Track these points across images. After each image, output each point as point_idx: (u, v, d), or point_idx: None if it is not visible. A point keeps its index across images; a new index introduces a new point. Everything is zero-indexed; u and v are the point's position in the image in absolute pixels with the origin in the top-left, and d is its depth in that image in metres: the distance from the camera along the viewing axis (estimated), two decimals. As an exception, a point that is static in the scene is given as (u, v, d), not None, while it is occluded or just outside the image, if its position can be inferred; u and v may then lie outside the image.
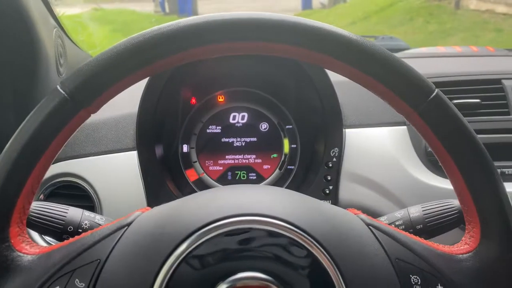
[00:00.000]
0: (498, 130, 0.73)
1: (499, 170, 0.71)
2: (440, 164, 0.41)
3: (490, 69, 0.79)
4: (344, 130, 0.72)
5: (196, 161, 0.77)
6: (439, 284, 0.39)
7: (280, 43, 0.38)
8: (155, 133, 0.72)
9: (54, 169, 0.71)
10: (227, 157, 0.78)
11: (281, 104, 0.78)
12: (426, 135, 0.40)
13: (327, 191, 0.70)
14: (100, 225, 0.47)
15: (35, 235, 0.70)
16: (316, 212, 0.40)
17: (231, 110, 0.78)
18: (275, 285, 0.36)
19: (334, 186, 0.70)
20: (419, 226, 0.48)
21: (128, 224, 0.40)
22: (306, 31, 0.38)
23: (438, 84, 0.76)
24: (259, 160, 0.78)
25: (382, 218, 0.50)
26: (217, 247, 0.36)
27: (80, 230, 0.47)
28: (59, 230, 0.48)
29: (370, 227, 0.41)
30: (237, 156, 0.78)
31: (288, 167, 0.78)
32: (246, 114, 0.78)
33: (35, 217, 0.48)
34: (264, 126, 0.79)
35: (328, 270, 0.36)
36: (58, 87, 0.38)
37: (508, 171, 0.71)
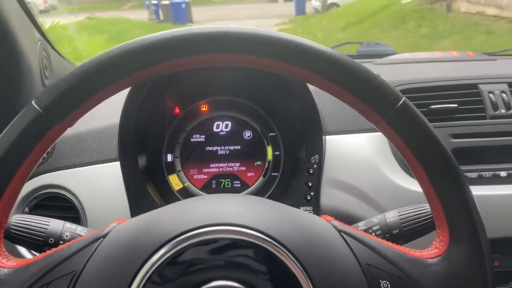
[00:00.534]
0: (475, 134, 0.75)
1: (476, 174, 0.72)
2: (410, 170, 0.42)
3: (468, 74, 0.80)
4: (324, 137, 0.73)
5: (180, 170, 0.78)
6: None
7: (262, 56, 0.39)
8: (138, 144, 0.73)
9: (38, 181, 0.72)
10: (211, 165, 0.79)
11: (264, 112, 0.79)
12: (395, 142, 0.41)
13: (309, 198, 0.71)
14: (80, 236, 0.48)
15: (21, 247, 0.70)
16: (287, 220, 0.41)
17: (215, 119, 0.79)
18: None
19: (315, 193, 0.71)
20: (395, 231, 0.49)
21: (104, 236, 0.40)
22: (278, 43, 0.39)
23: (416, 90, 0.78)
24: (243, 168, 0.79)
25: (360, 224, 0.51)
26: (190, 256, 0.37)
27: (61, 242, 0.48)
28: (40, 243, 0.48)
29: (341, 233, 0.41)
30: (221, 164, 0.79)
31: (272, 174, 0.79)
32: (229, 123, 0.79)
33: (16, 230, 0.48)
34: (247, 134, 0.79)
35: (298, 277, 0.37)
36: (33, 102, 0.38)
37: (485, 174, 0.72)
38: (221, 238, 0.37)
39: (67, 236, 0.48)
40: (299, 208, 0.71)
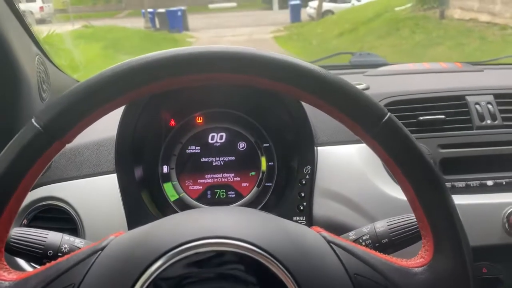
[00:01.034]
0: (462, 145, 0.77)
1: (464, 183, 0.74)
2: (396, 181, 0.44)
3: (455, 86, 0.82)
4: (316, 148, 0.75)
5: (176, 181, 0.80)
6: None
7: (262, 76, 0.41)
8: (134, 156, 0.75)
9: (37, 193, 0.73)
10: (206, 176, 0.80)
11: (258, 124, 0.81)
12: (381, 155, 0.43)
13: (301, 208, 0.72)
14: (79, 248, 0.49)
15: (21, 261, 0.71)
16: (279, 231, 0.42)
17: (210, 131, 0.81)
18: None
19: (308, 202, 0.72)
20: (384, 240, 0.51)
21: (102, 249, 0.42)
22: (275, 64, 0.41)
23: (405, 102, 0.80)
24: (237, 178, 0.80)
25: (351, 234, 0.53)
26: (184, 268, 0.39)
27: (60, 254, 0.49)
28: (39, 255, 0.50)
29: (331, 244, 0.43)
30: (216, 175, 0.80)
31: (266, 184, 0.80)
32: (224, 134, 0.81)
33: (15, 243, 0.50)
34: (242, 145, 0.81)
35: (289, 287, 0.38)
36: (33, 121, 0.40)
37: (473, 184, 0.74)
38: (214, 251, 0.39)
39: (65, 248, 0.50)
40: (292, 218, 0.72)
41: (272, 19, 14.68)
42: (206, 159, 0.81)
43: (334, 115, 0.42)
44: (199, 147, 0.81)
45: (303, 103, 0.74)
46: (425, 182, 0.41)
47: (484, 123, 0.78)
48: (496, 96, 0.80)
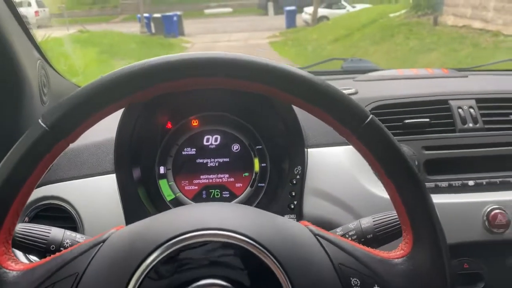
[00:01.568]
0: (445, 147, 0.81)
1: (446, 183, 0.78)
2: (379, 180, 0.47)
3: (440, 91, 0.87)
4: (306, 150, 0.78)
5: (172, 182, 0.83)
6: (376, 285, 0.44)
7: (254, 81, 0.44)
8: (132, 157, 0.78)
9: (38, 192, 0.76)
10: (201, 177, 0.83)
11: (251, 127, 0.84)
12: (364, 155, 0.46)
13: (292, 206, 0.76)
14: (79, 243, 0.52)
15: (19, 254, 0.74)
16: (268, 224, 0.46)
17: (205, 133, 0.84)
18: None
19: (298, 201, 0.76)
20: (369, 236, 0.54)
21: (104, 241, 0.45)
22: (273, 71, 0.44)
23: (392, 106, 0.84)
24: (231, 179, 0.84)
25: (338, 230, 0.56)
26: (181, 258, 0.42)
27: (62, 249, 0.52)
28: (43, 250, 0.53)
29: (317, 236, 0.46)
30: (211, 176, 0.84)
31: (259, 184, 0.84)
32: (218, 136, 0.84)
33: (19, 238, 0.53)
34: (235, 147, 0.84)
35: (277, 275, 0.42)
36: (40, 121, 0.43)
37: (455, 183, 0.78)
38: (208, 241, 0.42)
39: (67, 243, 0.53)
40: (283, 216, 0.76)
41: (267, 25, 14.76)
42: (201, 161, 0.84)
43: (320, 116, 0.46)
44: (194, 149, 0.84)
45: (294, 107, 0.78)
46: (406, 181, 0.45)
47: (466, 126, 0.82)
48: (478, 100, 0.84)
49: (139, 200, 0.77)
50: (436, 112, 0.83)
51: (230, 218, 0.45)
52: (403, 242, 0.48)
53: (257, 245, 0.42)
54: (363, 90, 0.90)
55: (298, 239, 0.45)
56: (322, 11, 14.46)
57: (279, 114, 0.78)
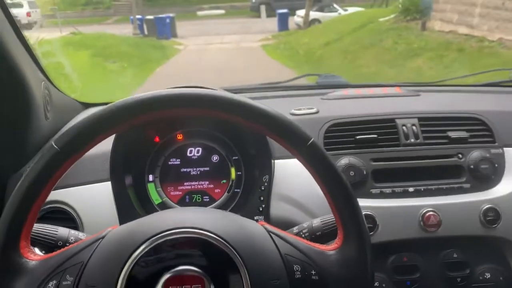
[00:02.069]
0: (390, 159, 0.94)
1: (390, 190, 0.92)
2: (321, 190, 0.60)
3: (388, 111, 1.00)
4: (273, 161, 0.92)
5: (159, 188, 0.96)
6: (313, 271, 0.58)
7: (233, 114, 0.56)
8: (125, 166, 0.91)
9: (44, 197, 0.89)
10: (185, 183, 0.96)
11: (228, 140, 0.97)
12: (308, 169, 0.60)
13: (261, 209, 0.90)
14: (82, 239, 0.65)
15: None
16: (232, 224, 0.59)
17: (188, 146, 0.97)
18: (202, 275, 0.54)
19: (266, 205, 0.90)
20: (318, 233, 0.67)
21: (103, 237, 0.58)
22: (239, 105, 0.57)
23: (346, 123, 0.98)
24: (211, 185, 0.96)
25: (295, 228, 0.69)
26: (162, 250, 0.55)
27: (67, 244, 0.64)
28: (51, 245, 0.65)
29: (270, 233, 0.60)
30: (193, 183, 0.96)
31: (235, 190, 0.96)
32: (200, 149, 0.97)
33: (34, 236, 0.65)
34: (215, 158, 0.97)
35: (237, 263, 0.55)
36: (53, 143, 0.56)
37: (397, 190, 0.92)
38: (184, 237, 0.56)
39: (72, 239, 0.65)
40: (253, 217, 0.89)
41: (260, 27, 14.84)
42: (185, 170, 0.96)
43: (274, 138, 0.59)
44: (179, 160, 0.97)
45: None
46: (339, 192, 0.58)
47: (408, 141, 0.95)
48: (420, 119, 0.98)
49: (130, 203, 0.90)
50: (384, 129, 0.97)
51: (202, 219, 0.58)
52: (337, 238, 0.61)
53: (221, 240, 0.55)
54: (325, 109, 1.04)
55: (254, 235, 0.59)
56: (314, 14, 14.54)
57: (251, 130, 0.91)
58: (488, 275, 0.92)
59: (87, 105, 1.28)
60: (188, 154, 0.97)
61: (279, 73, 7.68)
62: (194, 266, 0.55)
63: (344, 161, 0.93)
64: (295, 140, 0.58)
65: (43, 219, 0.89)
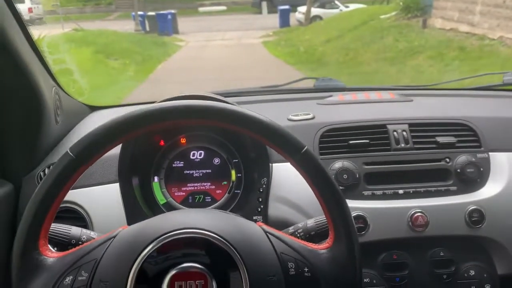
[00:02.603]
0: (381, 162, 0.99)
1: (381, 192, 0.98)
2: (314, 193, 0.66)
3: (380, 116, 1.06)
4: (271, 164, 0.98)
5: (164, 189, 1.01)
6: (306, 268, 0.63)
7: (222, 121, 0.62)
8: (132, 169, 0.97)
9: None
10: (188, 185, 1.01)
11: (229, 144, 1.02)
12: (302, 175, 0.66)
13: (259, 209, 0.95)
14: (94, 238, 0.70)
15: None
16: (232, 224, 0.64)
17: (191, 149, 1.02)
18: (205, 272, 0.60)
19: (264, 206, 0.95)
20: (312, 233, 0.72)
21: (114, 236, 0.64)
22: (236, 115, 0.62)
23: (340, 129, 1.03)
24: (213, 187, 1.02)
25: (290, 228, 0.74)
26: (169, 248, 0.60)
27: (80, 243, 0.70)
28: (65, 243, 0.70)
29: (266, 233, 0.65)
30: (196, 184, 1.02)
31: (235, 191, 1.02)
32: (202, 152, 1.02)
33: (50, 235, 0.71)
34: (216, 161, 1.03)
35: (236, 260, 0.60)
36: (68, 151, 0.61)
37: (388, 192, 0.98)
38: (188, 237, 0.61)
39: (84, 238, 0.70)
40: (252, 217, 0.95)
41: (261, 23, 14.80)
42: (188, 172, 1.02)
43: (270, 146, 0.64)
44: (183, 162, 1.02)
45: None
46: (330, 196, 0.63)
47: (399, 146, 1.01)
48: (410, 125, 1.03)
49: (137, 203, 0.95)
50: (375, 135, 1.02)
51: (205, 220, 0.64)
52: (329, 238, 0.66)
53: (222, 239, 0.61)
54: (320, 115, 1.09)
55: (253, 235, 0.64)
56: (315, 11, 14.50)
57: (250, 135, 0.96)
58: (472, 272, 0.98)
59: (94, 108, 1.34)
60: (191, 157, 1.02)
61: (279, 70, 7.71)
62: (197, 263, 0.60)
63: (338, 164, 0.98)
64: (290, 148, 0.63)
65: (55, 218, 0.94)
